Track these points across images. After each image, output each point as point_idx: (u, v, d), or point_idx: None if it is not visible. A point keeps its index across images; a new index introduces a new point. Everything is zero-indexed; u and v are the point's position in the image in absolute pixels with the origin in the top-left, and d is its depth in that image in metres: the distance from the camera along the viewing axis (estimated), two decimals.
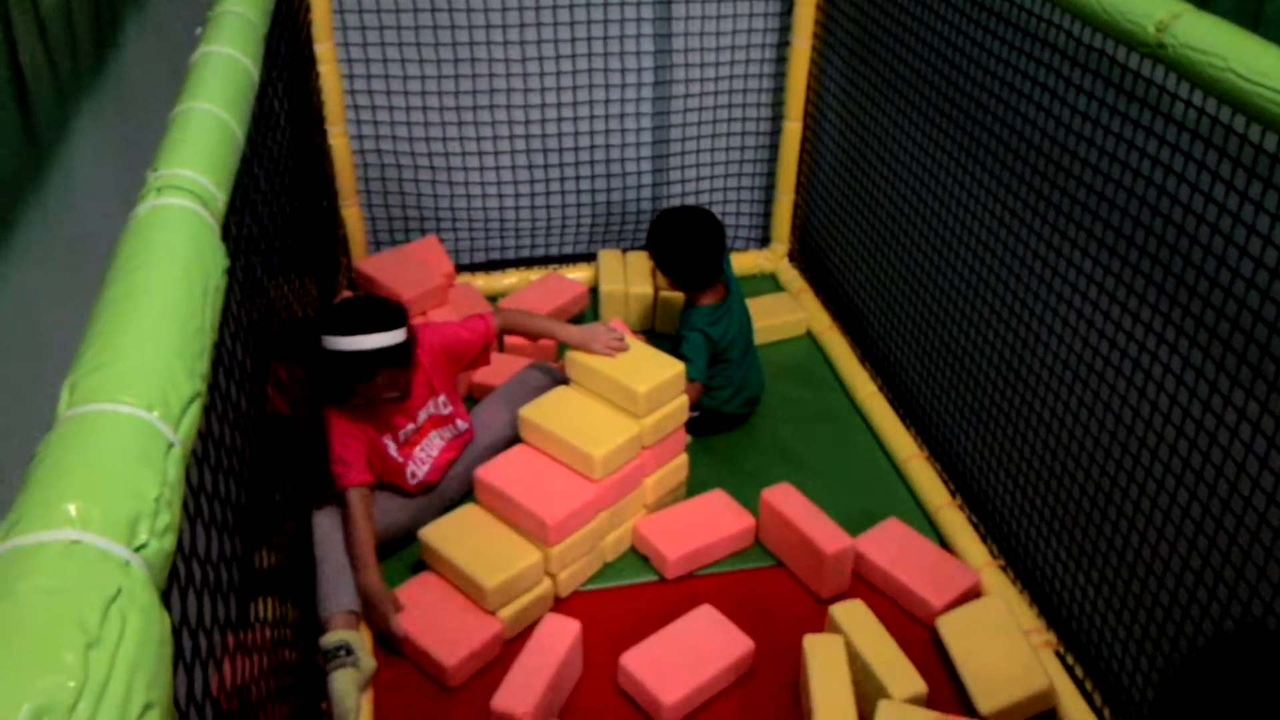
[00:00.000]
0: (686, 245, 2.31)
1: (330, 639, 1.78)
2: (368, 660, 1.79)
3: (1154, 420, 1.61)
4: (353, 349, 1.87)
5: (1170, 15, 1.40)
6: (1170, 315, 1.55)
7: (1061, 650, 1.89)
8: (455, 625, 1.85)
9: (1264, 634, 1.28)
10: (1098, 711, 1.78)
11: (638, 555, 2.11)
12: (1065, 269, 1.80)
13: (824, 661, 1.74)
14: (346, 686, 1.72)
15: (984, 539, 2.11)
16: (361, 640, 1.81)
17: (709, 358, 2.29)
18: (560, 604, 1.99)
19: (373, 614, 1.87)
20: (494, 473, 2.00)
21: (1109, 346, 1.70)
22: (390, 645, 1.87)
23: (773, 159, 2.98)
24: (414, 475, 2.05)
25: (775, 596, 2.02)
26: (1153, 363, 1.60)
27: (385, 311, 1.93)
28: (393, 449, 2.01)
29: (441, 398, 2.08)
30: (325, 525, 1.92)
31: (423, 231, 2.90)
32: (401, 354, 1.92)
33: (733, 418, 2.41)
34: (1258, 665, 0.98)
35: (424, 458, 2.06)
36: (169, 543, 0.67)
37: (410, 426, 2.04)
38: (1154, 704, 1.57)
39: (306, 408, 1.95)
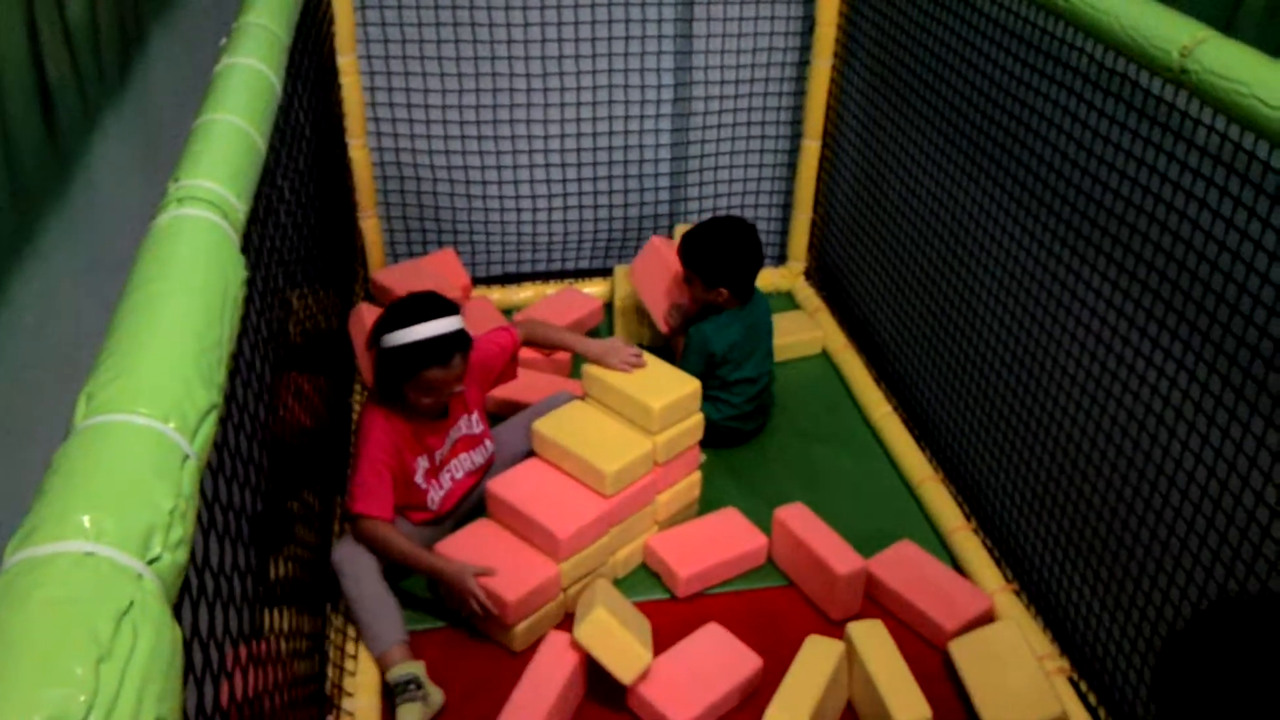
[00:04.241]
0: (736, 253, 2.32)
1: (398, 673, 1.75)
2: (436, 693, 1.77)
3: (1171, 447, 1.59)
4: (433, 334, 1.85)
5: (1194, 40, 1.39)
6: (1190, 341, 1.54)
7: (1075, 677, 1.87)
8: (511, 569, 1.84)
9: (1255, 600, 1.27)
10: None
11: (648, 572, 2.10)
12: (1084, 292, 1.79)
13: (873, 645, 1.78)
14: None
15: (998, 563, 2.09)
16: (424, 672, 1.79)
17: (705, 365, 2.32)
18: (568, 620, 1.98)
19: (452, 589, 1.86)
20: (505, 486, 1.99)
21: (1127, 371, 1.69)
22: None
23: (791, 177, 2.98)
24: (434, 501, 2.02)
25: (786, 616, 2.01)
26: (1171, 388, 1.58)
27: (446, 301, 1.93)
28: (420, 474, 1.98)
29: (474, 415, 2.08)
30: (350, 559, 1.86)
31: (440, 244, 2.91)
32: (470, 340, 1.92)
33: (729, 432, 2.40)
34: (1251, 631, 0.97)
35: (446, 481, 2.03)
36: (182, 556, 0.67)
37: (443, 448, 2.01)
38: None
39: (325, 417, 1.95)
